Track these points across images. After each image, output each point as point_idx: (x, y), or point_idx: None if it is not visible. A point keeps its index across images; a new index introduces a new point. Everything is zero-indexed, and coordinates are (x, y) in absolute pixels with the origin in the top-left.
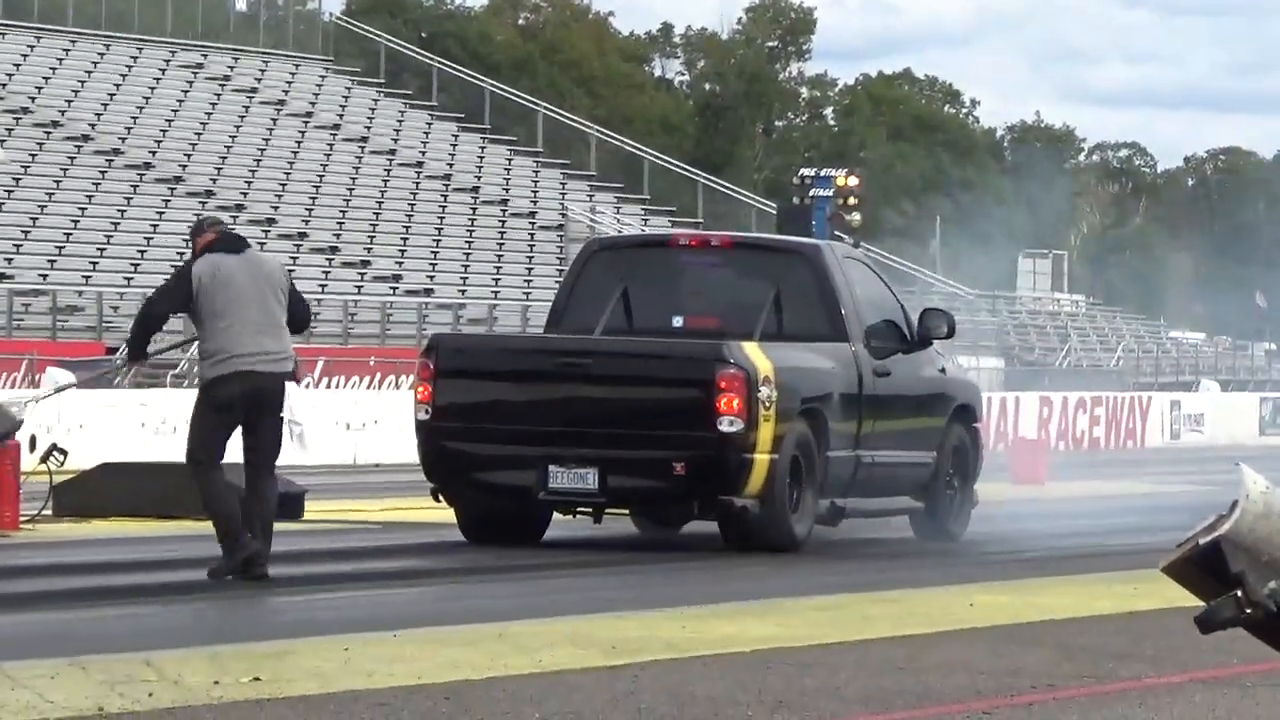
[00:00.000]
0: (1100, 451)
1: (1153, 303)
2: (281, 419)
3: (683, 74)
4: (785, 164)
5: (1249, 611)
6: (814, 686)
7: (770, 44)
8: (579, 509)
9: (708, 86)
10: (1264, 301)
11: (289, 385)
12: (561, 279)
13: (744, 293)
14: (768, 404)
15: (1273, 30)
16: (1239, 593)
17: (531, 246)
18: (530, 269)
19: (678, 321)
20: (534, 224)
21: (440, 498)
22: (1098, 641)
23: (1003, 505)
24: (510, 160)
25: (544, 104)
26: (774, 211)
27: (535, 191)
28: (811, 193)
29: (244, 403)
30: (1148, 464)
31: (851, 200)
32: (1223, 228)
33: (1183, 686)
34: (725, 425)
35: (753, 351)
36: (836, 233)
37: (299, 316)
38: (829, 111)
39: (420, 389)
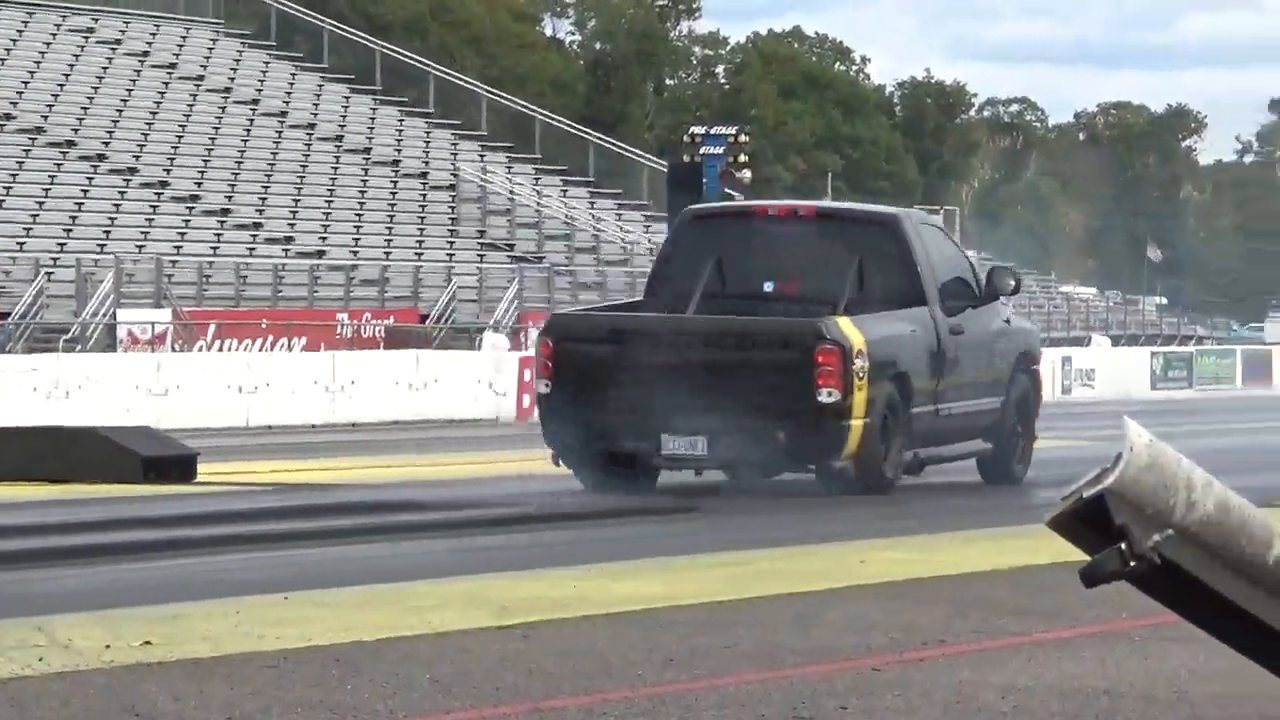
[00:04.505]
0: None
1: (1043, 258)
2: None
3: (574, 33)
4: (677, 122)
5: (1133, 564)
6: (705, 645)
7: (660, 3)
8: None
9: (599, 45)
10: (1156, 255)
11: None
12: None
13: (829, 260)
14: (861, 374)
15: None
16: (1123, 545)
17: (423, 207)
18: (422, 230)
19: (768, 287)
20: (425, 184)
21: (560, 463)
22: (990, 597)
23: None
24: (402, 121)
25: (435, 65)
26: (665, 170)
27: (427, 152)
28: (702, 150)
29: None
30: (1039, 419)
31: (742, 158)
32: (1113, 182)
33: (1072, 641)
34: (824, 396)
35: (847, 327)
36: (728, 190)
37: None
38: (720, 70)
39: (540, 365)
